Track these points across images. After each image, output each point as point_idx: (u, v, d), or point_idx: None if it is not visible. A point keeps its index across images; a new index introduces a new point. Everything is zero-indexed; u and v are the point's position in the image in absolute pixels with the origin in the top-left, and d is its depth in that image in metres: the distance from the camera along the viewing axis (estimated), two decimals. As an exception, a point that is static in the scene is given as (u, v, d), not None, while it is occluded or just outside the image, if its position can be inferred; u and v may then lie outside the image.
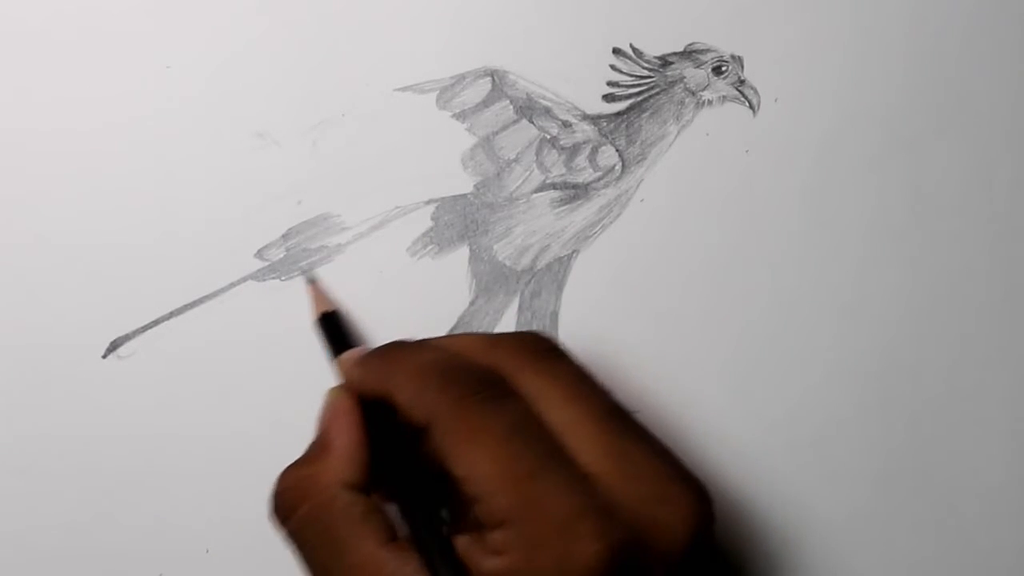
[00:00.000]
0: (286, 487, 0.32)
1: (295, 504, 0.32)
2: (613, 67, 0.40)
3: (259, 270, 0.39)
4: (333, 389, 0.34)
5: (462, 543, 0.29)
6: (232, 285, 0.38)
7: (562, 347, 0.33)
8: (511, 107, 0.40)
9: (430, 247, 0.39)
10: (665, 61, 0.41)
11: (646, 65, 0.40)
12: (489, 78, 0.40)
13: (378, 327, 0.39)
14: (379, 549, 0.30)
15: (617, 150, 0.40)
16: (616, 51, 0.40)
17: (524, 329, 0.40)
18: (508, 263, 0.40)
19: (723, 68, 0.41)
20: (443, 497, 0.32)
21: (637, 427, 0.32)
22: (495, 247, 0.40)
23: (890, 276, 0.41)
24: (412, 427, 0.31)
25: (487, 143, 0.40)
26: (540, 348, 0.33)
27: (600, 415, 0.31)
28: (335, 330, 0.37)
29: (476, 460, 0.29)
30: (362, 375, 0.33)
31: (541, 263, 0.40)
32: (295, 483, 0.32)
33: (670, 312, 0.40)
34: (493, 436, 0.29)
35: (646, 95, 0.40)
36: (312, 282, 0.39)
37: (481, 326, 0.39)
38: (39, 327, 0.38)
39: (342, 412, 0.33)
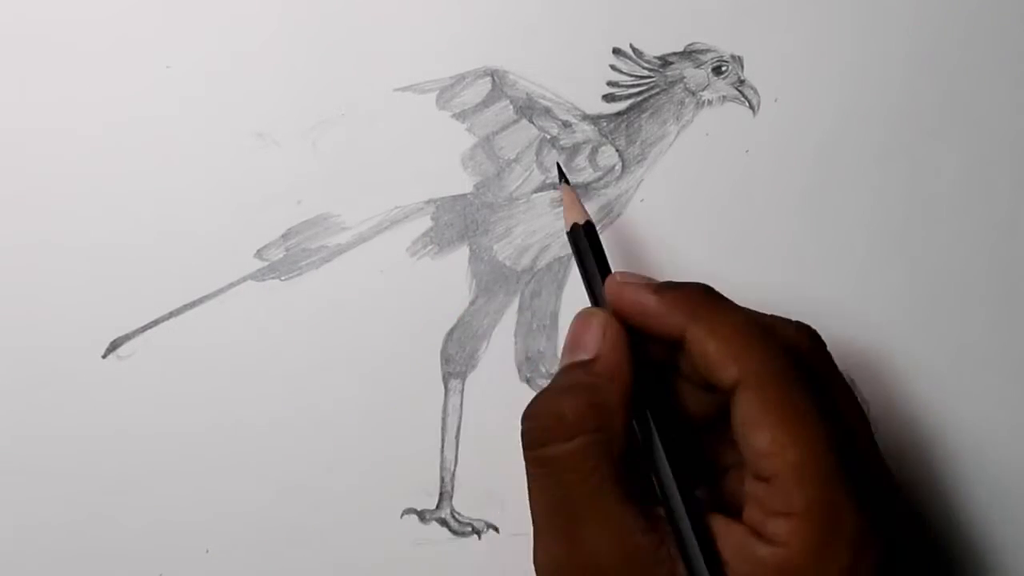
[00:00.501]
0: (555, 412, 0.30)
1: (566, 433, 0.30)
2: (613, 67, 0.40)
3: (259, 270, 0.39)
4: (602, 312, 0.32)
5: (720, 523, 0.29)
6: (232, 285, 0.39)
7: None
8: (511, 107, 0.40)
9: (430, 247, 0.39)
10: (665, 61, 0.41)
11: (646, 65, 0.40)
12: (489, 78, 0.40)
13: (378, 327, 0.39)
14: (634, 506, 0.29)
15: (617, 150, 0.40)
16: (616, 51, 0.40)
17: (525, 329, 0.40)
18: (508, 263, 0.40)
19: (723, 68, 0.41)
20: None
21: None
22: (495, 247, 0.40)
23: (890, 276, 0.41)
24: (698, 381, 0.30)
25: (487, 143, 0.40)
26: (821, 343, 0.32)
27: (867, 420, 0.31)
28: (592, 242, 0.35)
29: (786, 443, 0.28)
30: (663, 308, 0.31)
31: (541, 263, 0.40)
32: (569, 411, 0.30)
33: (670, 312, 0.40)
34: (809, 425, 0.28)
35: (646, 95, 0.40)
36: (569, 185, 0.37)
37: (481, 326, 0.39)
38: (39, 327, 0.38)
39: (618, 342, 0.31)
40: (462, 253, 0.40)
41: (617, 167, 0.40)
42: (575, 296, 0.40)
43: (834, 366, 0.32)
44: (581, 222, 0.35)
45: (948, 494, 0.41)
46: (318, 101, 0.39)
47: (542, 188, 0.40)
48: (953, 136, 0.42)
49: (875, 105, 0.41)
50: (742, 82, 0.41)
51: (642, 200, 0.40)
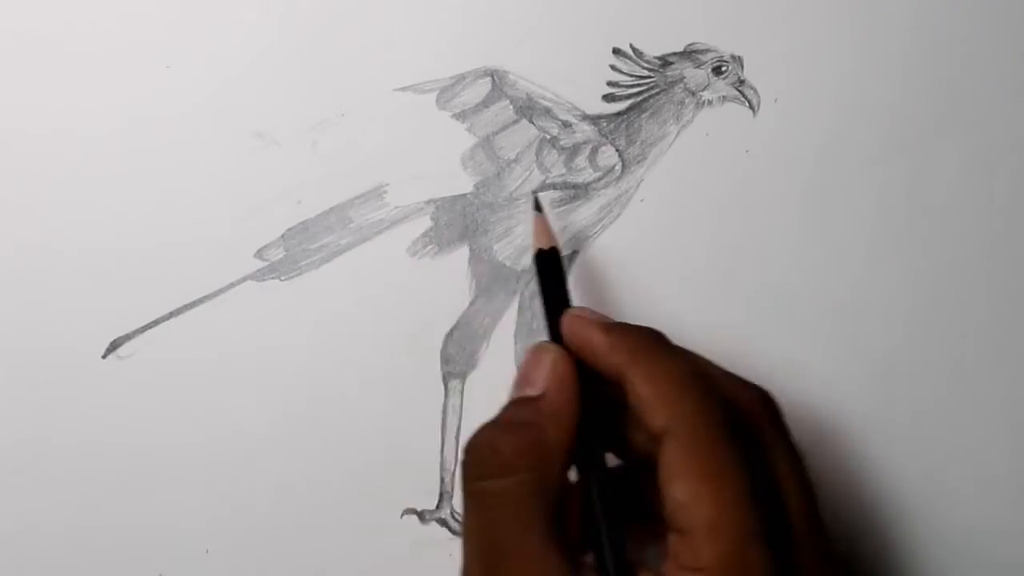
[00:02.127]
0: (495, 447, 0.30)
1: (502, 470, 0.30)
2: (613, 67, 0.40)
3: (259, 270, 0.39)
4: (553, 348, 0.32)
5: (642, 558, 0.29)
6: (232, 285, 0.39)
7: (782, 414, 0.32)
8: (511, 107, 0.40)
9: (430, 247, 0.39)
10: (665, 61, 0.40)
11: (646, 65, 0.40)
12: (489, 78, 0.40)
13: (378, 327, 0.39)
14: (560, 551, 0.29)
15: (617, 150, 0.40)
16: (616, 51, 0.40)
17: (525, 329, 0.40)
18: (508, 263, 0.40)
19: (723, 68, 0.41)
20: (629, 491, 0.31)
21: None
22: (495, 247, 0.40)
23: (890, 276, 0.41)
24: (634, 421, 0.30)
25: (487, 143, 0.40)
26: (775, 409, 0.32)
27: (817, 506, 0.30)
28: (555, 271, 0.35)
29: (704, 496, 0.28)
30: (608, 348, 0.31)
31: (541, 263, 0.40)
32: (507, 447, 0.30)
33: (670, 312, 0.40)
34: (731, 482, 0.28)
35: (646, 95, 0.40)
36: (539, 211, 0.37)
37: (481, 326, 0.39)
38: (39, 327, 0.38)
39: (566, 380, 0.31)
40: (462, 253, 0.40)
41: (617, 167, 0.40)
42: (575, 296, 0.40)
43: (785, 433, 0.32)
44: (546, 247, 0.35)
45: (948, 495, 0.41)
46: (318, 101, 0.39)
47: (542, 188, 0.40)
48: (953, 136, 0.42)
49: (875, 105, 0.41)
50: (742, 82, 0.41)
51: (642, 200, 0.40)
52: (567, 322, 0.33)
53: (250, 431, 0.38)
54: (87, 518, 0.38)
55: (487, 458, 0.30)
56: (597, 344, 0.31)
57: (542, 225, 0.36)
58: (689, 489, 0.28)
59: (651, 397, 0.30)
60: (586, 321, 0.32)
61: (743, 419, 0.30)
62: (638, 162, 0.40)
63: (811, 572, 0.29)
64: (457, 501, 0.39)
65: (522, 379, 0.32)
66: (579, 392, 0.31)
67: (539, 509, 0.29)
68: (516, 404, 0.32)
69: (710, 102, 0.41)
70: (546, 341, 0.33)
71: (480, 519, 0.30)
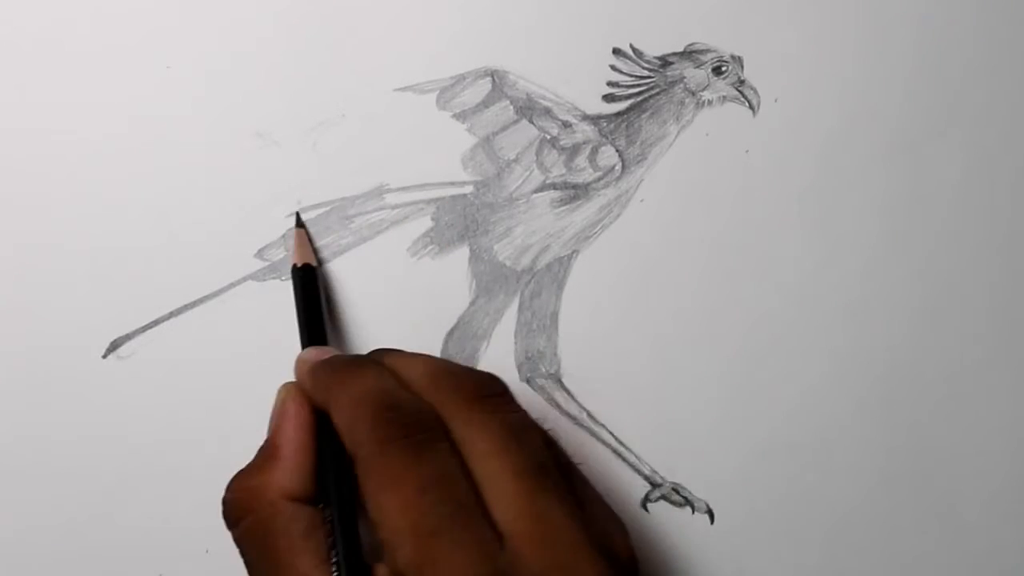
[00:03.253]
0: (233, 496, 0.32)
1: (241, 514, 0.32)
2: (613, 67, 0.40)
3: (259, 270, 0.39)
4: (286, 387, 0.34)
5: (381, 574, 0.29)
6: (232, 285, 0.38)
7: (508, 394, 0.32)
8: (511, 107, 0.40)
9: (430, 247, 0.39)
10: (665, 61, 0.41)
11: (646, 65, 0.40)
12: (489, 78, 0.40)
13: (378, 327, 0.39)
14: (314, 570, 0.30)
15: (617, 150, 0.40)
16: (616, 51, 0.40)
17: (525, 330, 0.40)
18: (508, 263, 0.40)
19: (723, 68, 0.41)
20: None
21: (564, 487, 0.30)
22: (495, 247, 0.40)
23: (891, 277, 0.41)
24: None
25: (487, 143, 0.40)
26: (480, 394, 0.32)
27: (523, 471, 0.30)
28: (308, 289, 0.36)
29: (388, 508, 0.29)
30: (312, 386, 0.33)
31: (541, 263, 0.40)
32: (241, 493, 0.32)
33: (670, 312, 0.40)
34: (409, 487, 0.29)
35: (646, 95, 0.40)
36: (300, 226, 0.38)
37: (481, 326, 0.39)
38: (39, 327, 0.38)
39: (292, 416, 0.32)
40: (462, 253, 0.40)
41: (617, 167, 0.40)
42: (575, 296, 0.40)
43: (491, 412, 0.31)
44: (300, 264, 0.37)
45: (949, 495, 0.41)
46: (318, 101, 0.39)
47: (542, 188, 0.40)
48: (955, 136, 0.42)
49: (876, 105, 0.41)
50: (742, 82, 0.41)
51: (642, 200, 0.40)
52: (295, 365, 0.35)
53: (250, 431, 0.38)
54: (87, 518, 0.38)
55: (228, 507, 0.32)
56: (306, 385, 0.33)
57: (302, 239, 0.38)
58: (374, 505, 0.29)
59: (339, 426, 0.31)
60: (303, 363, 0.34)
61: (427, 420, 0.30)
62: (638, 162, 0.40)
63: (529, 540, 0.29)
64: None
65: (269, 421, 0.33)
66: (308, 425, 0.32)
67: (282, 542, 0.30)
68: (260, 448, 0.33)
69: (710, 102, 0.41)
70: (286, 383, 0.34)
71: (246, 562, 0.32)
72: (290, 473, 0.32)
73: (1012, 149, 0.42)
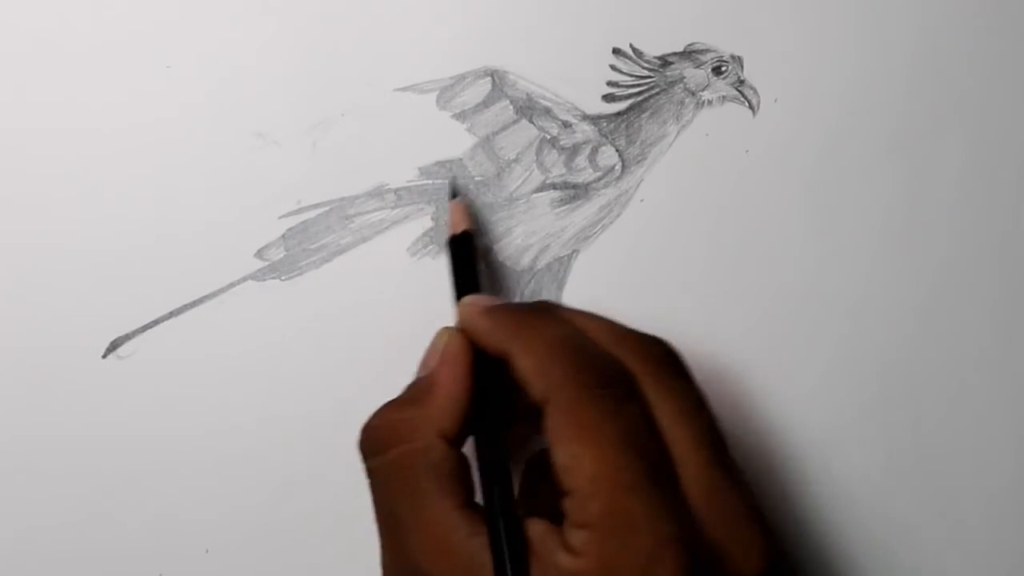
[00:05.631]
0: (382, 424, 0.32)
1: (387, 444, 0.31)
2: (613, 67, 0.40)
3: (259, 270, 0.39)
4: (448, 331, 0.33)
5: (537, 528, 0.29)
6: (232, 285, 0.39)
7: (685, 363, 0.32)
8: (511, 107, 0.40)
9: (430, 247, 0.39)
10: (665, 61, 0.41)
11: (646, 65, 0.40)
12: (489, 78, 0.40)
13: (378, 327, 0.39)
14: (455, 511, 0.30)
15: (617, 150, 0.40)
16: (616, 51, 0.40)
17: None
18: (508, 263, 0.40)
19: (723, 68, 0.41)
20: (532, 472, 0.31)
21: (734, 461, 0.31)
22: (495, 247, 0.40)
23: (891, 276, 0.41)
24: (523, 396, 0.30)
25: (487, 143, 0.40)
26: (666, 358, 0.32)
27: (710, 442, 0.30)
28: (465, 255, 0.36)
29: (583, 456, 0.29)
30: (489, 328, 0.32)
31: (541, 263, 0.40)
32: (393, 423, 0.31)
33: (670, 312, 0.40)
34: (607, 438, 0.29)
35: (646, 95, 0.40)
36: (455, 197, 0.38)
37: (481, 326, 0.39)
38: (39, 327, 0.38)
39: (455, 358, 0.32)
40: (462, 253, 0.40)
41: (617, 167, 0.40)
42: (575, 296, 0.40)
43: (675, 379, 0.31)
44: (459, 232, 0.37)
45: (949, 495, 0.41)
46: (318, 101, 0.39)
47: (542, 188, 0.40)
48: (955, 136, 0.42)
49: (876, 105, 0.41)
50: (742, 82, 0.41)
51: (642, 200, 0.40)
52: (458, 310, 0.34)
53: (250, 431, 0.38)
54: (87, 518, 0.38)
55: (372, 436, 0.32)
56: (480, 326, 0.32)
57: (460, 211, 0.38)
58: (567, 452, 0.29)
59: (528, 369, 0.30)
60: (472, 306, 0.34)
61: (623, 375, 0.30)
62: (638, 162, 0.40)
63: (705, 509, 0.29)
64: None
65: (421, 362, 0.33)
66: (469, 370, 0.32)
67: (428, 479, 0.30)
68: (412, 384, 0.33)
69: (710, 102, 0.41)
70: (446, 326, 0.34)
71: (377, 495, 0.31)
72: (448, 412, 0.31)
73: (1011, 148, 0.42)
